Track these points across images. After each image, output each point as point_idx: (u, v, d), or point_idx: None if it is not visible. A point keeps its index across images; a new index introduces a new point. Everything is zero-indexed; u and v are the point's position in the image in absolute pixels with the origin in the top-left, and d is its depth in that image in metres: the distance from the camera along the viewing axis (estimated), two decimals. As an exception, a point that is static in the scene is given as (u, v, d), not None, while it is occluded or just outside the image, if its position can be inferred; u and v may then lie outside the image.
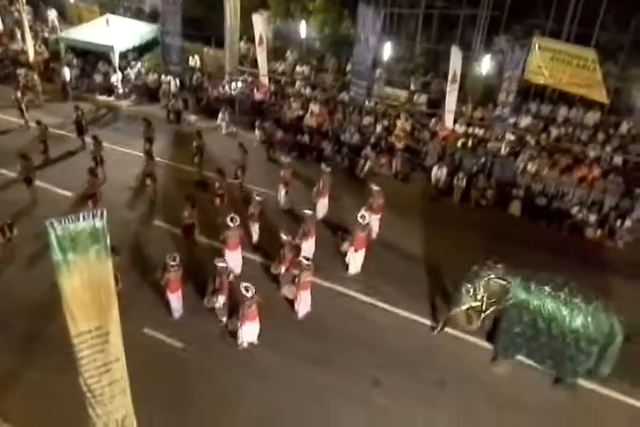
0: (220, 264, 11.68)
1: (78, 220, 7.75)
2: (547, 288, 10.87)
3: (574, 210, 16.48)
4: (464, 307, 11.67)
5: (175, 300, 12.13)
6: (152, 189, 16.11)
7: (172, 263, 11.59)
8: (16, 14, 25.31)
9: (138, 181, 16.81)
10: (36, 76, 21.56)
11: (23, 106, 19.46)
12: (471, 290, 11.46)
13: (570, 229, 16.23)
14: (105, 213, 8.18)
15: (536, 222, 16.58)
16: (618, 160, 17.90)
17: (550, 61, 18.75)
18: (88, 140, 17.94)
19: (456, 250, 14.50)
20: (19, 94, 19.53)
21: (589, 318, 10.50)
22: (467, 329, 12.03)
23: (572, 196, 17.00)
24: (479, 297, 11.45)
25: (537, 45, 18.94)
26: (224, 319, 12.02)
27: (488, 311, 11.45)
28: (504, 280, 11.22)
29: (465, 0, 21.87)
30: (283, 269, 12.98)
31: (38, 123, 17.55)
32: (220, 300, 11.81)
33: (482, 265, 11.61)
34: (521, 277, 11.15)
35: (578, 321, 10.54)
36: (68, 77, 21.81)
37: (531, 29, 20.34)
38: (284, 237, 12.84)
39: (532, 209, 16.79)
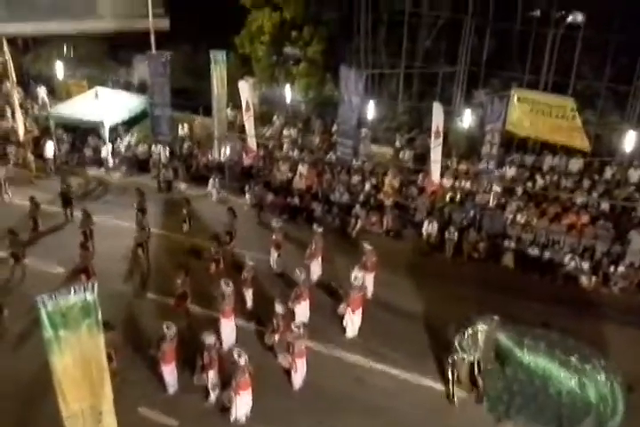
0: (208, 341, 11.41)
1: (69, 294, 7.75)
2: (542, 345, 10.69)
3: (567, 258, 16.46)
4: (458, 361, 11.45)
5: (169, 373, 11.84)
6: (144, 259, 16.09)
7: (168, 333, 11.43)
8: (7, 93, 26.08)
9: (130, 252, 16.78)
10: (29, 154, 21.99)
11: (2, 181, 19.73)
12: (464, 344, 11.29)
13: (564, 278, 16.16)
14: (96, 285, 8.18)
15: (530, 273, 16.53)
16: (605, 206, 18.02)
17: (530, 113, 19.20)
18: (75, 213, 18.06)
19: (452, 305, 14.35)
20: (3, 172, 19.88)
21: (585, 379, 10.26)
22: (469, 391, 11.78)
23: (563, 244, 17.03)
24: (472, 351, 11.26)
25: (515, 97, 19.43)
26: (213, 396, 11.65)
27: (484, 367, 11.24)
28: (498, 336, 11.05)
29: (443, 58, 22.74)
30: (276, 338, 12.79)
31: (32, 199, 17.68)
32: (210, 375, 11.50)
33: (476, 319, 11.47)
34: (515, 332, 10.99)
35: (573, 381, 10.30)
36: (51, 153, 22.16)
37: (508, 82, 21.06)
38: (278, 306, 12.72)
39: (524, 260, 16.79)
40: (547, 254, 16.65)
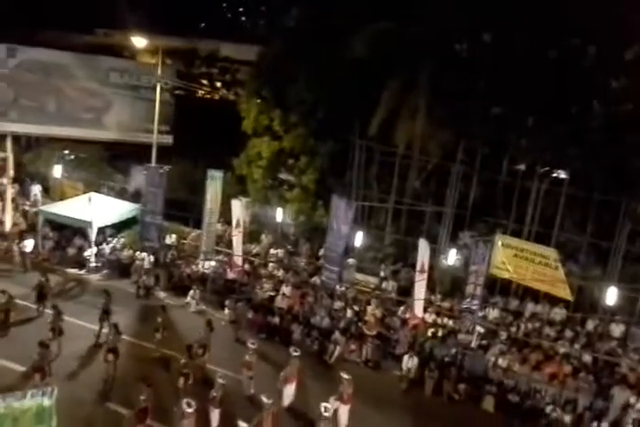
0: None
1: (25, 397, 7.18)
2: None
3: (548, 409, 15.96)
4: None
5: None
6: (112, 365, 15.20)
7: None
8: (1, 188, 26.32)
9: (96, 356, 15.97)
10: (15, 247, 21.76)
11: None
12: None
13: (546, 429, 15.54)
14: (55, 391, 7.58)
15: (510, 419, 15.88)
16: (587, 358, 17.84)
17: (514, 258, 19.60)
18: (47, 310, 17.51)
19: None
20: None
21: None
22: None
23: (544, 393, 16.58)
24: None
25: (499, 243, 19.95)
26: None
27: None
28: None
29: (431, 198, 23.73)
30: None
31: (2, 292, 17.21)
32: None
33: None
34: None
35: None
36: (30, 249, 21.92)
37: (493, 227, 21.69)
38: (242, 425, 11.88)
39: (505, 405, 16.25)
40: (528, 402, 16.12)
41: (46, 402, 7.36)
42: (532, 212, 21.47)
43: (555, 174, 22.36)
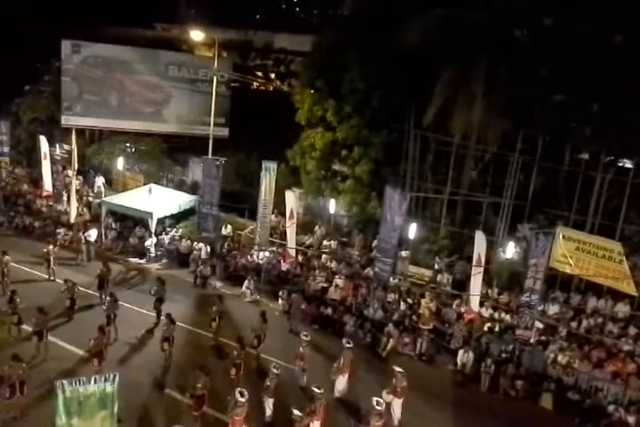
0: None
1: (89, 382, 7.43)
2: None
3: (611, 408, 15.37)
4: None
5: None
6: (168, 353, 15.63)
7: None
8: (67, 179, 27.40)
9: (154, 344, 16.41)
10: (81, 235, 22.64)
11: (52, 260, 20.23)
12: None
13: (608, 428, 14.99)
14: (117, 377, 7.82)
15: (569, 418, 15.40)
16: (653, 356, 17.10)
17: (575, 251, 18.93)
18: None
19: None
20: (50, 248, 20.52)
21: None
22: None
23: (606, 392, 15.97)
24: None
25: (561, 235, 19.28)
26: None
27: None
28: None
29: (488, 189, 23.15)
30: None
31: (66, 281, 17.97)
32: None
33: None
34: None
35: None
36: (94, 238, 22.71)
37: (554, 219, 21.01)
38: (296, 412, 11.99)
39: (564, 403, 15.75)
40: (588, 401, 15.59)
41: (109, 388, 7.63)
42: (596, 203, 20.61)
43: (620, 164, 21.41)
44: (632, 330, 18.11)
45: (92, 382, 7.54)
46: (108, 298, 17.75)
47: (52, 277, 20.20)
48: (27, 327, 16.11)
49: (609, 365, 16.54)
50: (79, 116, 29.72)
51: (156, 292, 18.14)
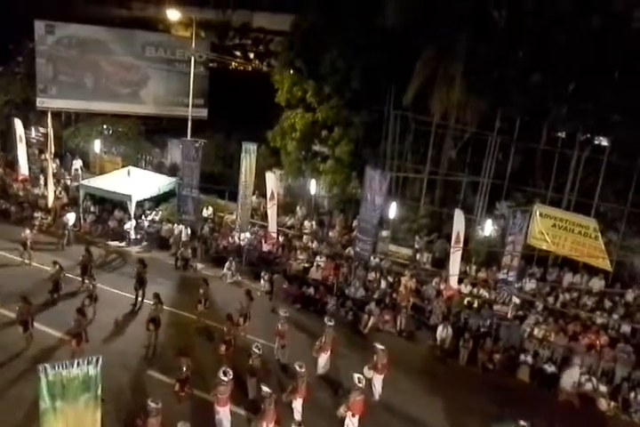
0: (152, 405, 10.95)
1: (72, 366, 7.50)
2: None
3: (583, 379, 15.82)
4: None
5: None
6: (153, 334, 15.71)
7: (154, 407, 11.00)
8: (44, 163, 27.06)
9: (137, 326, 16.53)
10: (60, 219, 22.45)
11: (29, 244, 20.04)
12: None
13: (581, 399, 15.42)
14: (100, 360, 7.92)
15: (545, 389, 15.84)
16: (626, 328, 17.59)
17: (552, 228, 19.34)
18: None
19: (462, 416, 13.84)
20: (27, 233, 20.29)
21: None
22: None
23: (581, 364, 16.43)
24: None
25: (538, 213, 19.65)
26: None
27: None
28: None
29: (467, 168, 23.38)
30: (264, 425, 12.08)
31: (55, 263, 17.88)
32: None
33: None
34: None
35: None
36: (71, 222, 22.53)
37: (531, 197, 21.35)
38: (265, 389, 12.21)
39: (541, 375, 16.17)
40: (564, 372, 16.04)
41: (92, 371, 7.71)
42: (572, 181, 20.96)
43: (596, 142, 21.73)
44: (606, 304, 18.61)
45: (75, 365, 7.61)
46: (87, 282, 17.84)
47: (28, 262, 20.01)
48: (8, 313, 15.99)
49: (584, 337, 17.00)
50: (54, 98, 29.23)
51: (137, 274, 18.16)
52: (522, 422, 10.62)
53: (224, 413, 12.63)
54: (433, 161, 23.46)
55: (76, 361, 7.57)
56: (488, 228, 20.88)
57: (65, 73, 29.30)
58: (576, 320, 17.83)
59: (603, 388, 15.57)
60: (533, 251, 20.10)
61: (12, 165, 27.37)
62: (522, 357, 16.57)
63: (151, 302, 16.19)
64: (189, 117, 27.54)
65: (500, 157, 22.48)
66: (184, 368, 13.31)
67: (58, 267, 17.81)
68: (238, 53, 36.38)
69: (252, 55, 37.14)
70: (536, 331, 17.32)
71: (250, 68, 35.92)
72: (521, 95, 20.68)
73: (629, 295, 18.85)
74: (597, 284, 19.31)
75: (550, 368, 16.26)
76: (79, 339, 14.29)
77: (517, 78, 20.64)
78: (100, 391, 7.80)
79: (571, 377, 15.70)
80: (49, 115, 27.57)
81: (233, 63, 34.31)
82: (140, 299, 17.87)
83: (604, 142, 21.39)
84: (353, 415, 12.92)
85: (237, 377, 12.97)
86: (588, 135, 21.40)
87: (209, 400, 13.01)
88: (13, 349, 14.83)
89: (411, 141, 24.05)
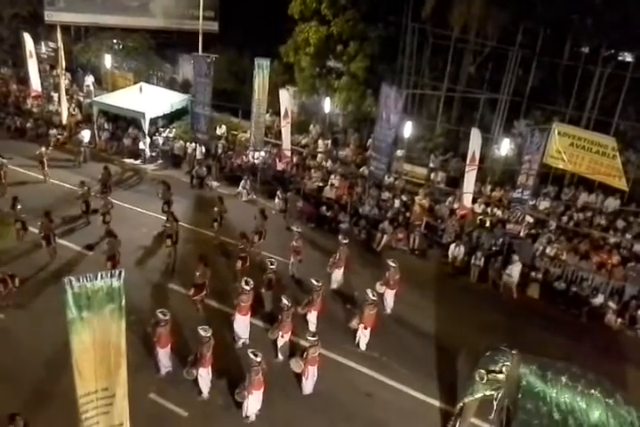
0: (203, 333, 11.23)
1: (96, 278, 7.78)
2: (563, 378, 10.19)
3: (593, 296, 16.18)
4: (477, 395, 10.91)
5: (164, 356, 12.00)
6: (172, 250, 16.12)
7: (163, 318, 11.56)
8: (55, 79, 26.67)
9: (156, 242, 16.98)
10: (81, 135, 22.45)
11: (45, 162, 20.18)
12: (485, 377, 10.72)
13: (589, 315, 15.85)
14: (123, 273, 8.19)
15: (555, 306, 16.25)
16: (638, 248, 17.69)
17: (570, 147, 19.01)
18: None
19: (472, 331, 14.18)
20: (43, 150, 20.36)
21: (609, 413, 9.86)
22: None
23: (591, 282, 16.73)
24: (493, 385, 10.88)
25: (556, 131, 19.22)
26: (205, 394, 11.64)
27: (502, 401, 10.88)
28: (520, 370, 10.58)
29: (486, 85, 22.71)
30: (280, 334, 12.70)
31: (82, 183, 18.04)
32: (202, 373, 11.40)
33: (496, 351, 11.10)
34: (537, 365, 10.54)
35: (596, 415, 9.91)
36: (87, 139, 22.51)
37: (550, 115, 20.87)
38: (284, 301, 12.69)
39: (550, 292, 16.53)
40: (573, 290, 16.39)
41: (115, 283, 7.95)
42: (593, 98, 20.35)
43: (620, 57, 20.86)
44: (620, 223, 18.63)
45: (99, 277, 7.85)
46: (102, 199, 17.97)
47: (46, 178, 20.28)
48: (34, 230, 16.30)
49: (595, 256, 17.17)
50: (63, 11, 28.22)
51: (163, 195, 18.30)
52: (512, 352, 10.89)
53: (244, 322, 13.17)
54: (451, 77, 22.83)
55: (99, 274, 7.83)
56: (505, 147, 20.59)
57: (73, -15, 28.17)
58: (588, 239, 17.93)
59: (612, 304, 15.91)
60: (550, 170, 19.93)
61: (25, 81, 27.02)
62: (532, 274, 16.86)
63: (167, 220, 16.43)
64: (200, 31, 26.57)
65: (520, 73, 21.78)
66: (198, 273, 13.72)
67: (86, 188, 17.98)
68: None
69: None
70: (548, 249, 17.46)
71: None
72: (545, 6, 19.69)
73: (644, 215, 18.83)
74: (613, 203, 19.25)
75: (560, 286, 16.59)
76: (114, 261, 14.67)
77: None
78: (124, 302, 8.12)
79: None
80: (58, 29, 26.79)
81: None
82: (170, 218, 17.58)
83: (629, 58, 20.52)
84: (365, 328, 13.45)
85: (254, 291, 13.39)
86: (612, 51, 20.54)
87: (225, 311, 13.62)
88: (38, 263, 15.40)
89: (428, 57, 23.31)
